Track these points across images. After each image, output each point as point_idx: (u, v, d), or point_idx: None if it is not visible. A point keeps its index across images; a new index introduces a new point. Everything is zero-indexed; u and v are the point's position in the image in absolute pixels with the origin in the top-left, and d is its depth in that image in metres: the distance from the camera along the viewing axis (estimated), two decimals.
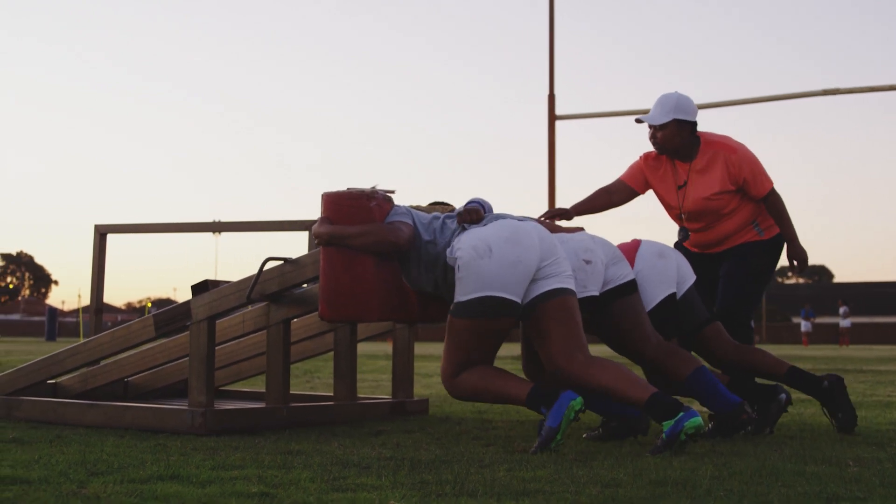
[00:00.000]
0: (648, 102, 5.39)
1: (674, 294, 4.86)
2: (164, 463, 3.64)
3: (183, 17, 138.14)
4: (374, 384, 9.10)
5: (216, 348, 5.96)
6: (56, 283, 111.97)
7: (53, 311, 38.94)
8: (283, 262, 4.93)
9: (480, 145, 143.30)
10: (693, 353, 5.02)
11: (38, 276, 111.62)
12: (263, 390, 6.17)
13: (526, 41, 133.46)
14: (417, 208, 4.78)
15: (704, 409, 5.59)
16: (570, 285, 4.30)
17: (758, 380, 5.04)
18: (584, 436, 4.73)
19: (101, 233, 6.80)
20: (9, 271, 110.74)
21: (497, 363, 13.02)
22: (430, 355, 17.92)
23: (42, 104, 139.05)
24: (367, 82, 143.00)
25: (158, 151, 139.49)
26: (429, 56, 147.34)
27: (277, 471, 3.46)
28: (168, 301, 79.03)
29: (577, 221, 5.39)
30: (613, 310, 4.66)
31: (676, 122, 5.23)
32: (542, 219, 5.08)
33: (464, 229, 4.38)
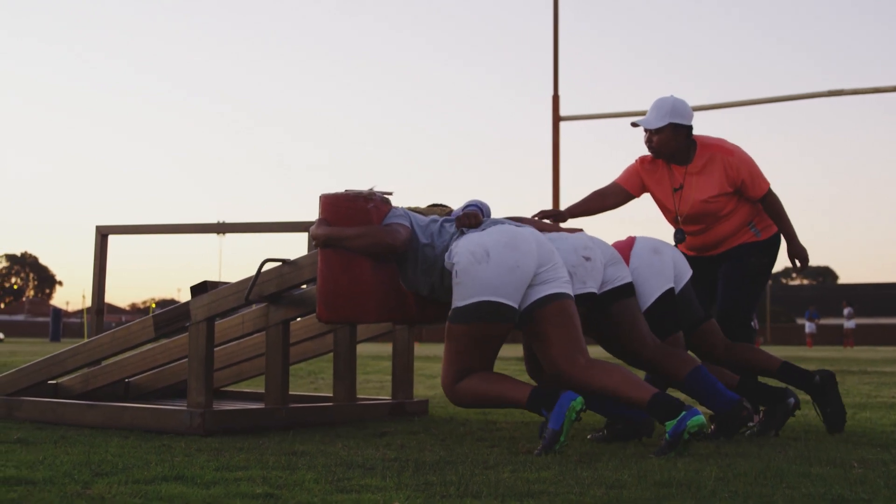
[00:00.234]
0: (651, 103, 5.38)
1: (672, 289, 4.87)
2: (169, 464, 3.65)
3: (183, 17, 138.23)
4: (379, 385, 9.11)
5: (217, 349, 6.00)
6: (60, 283, 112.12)
7: (58, 312, 38.95)
8: (282, 263, 4.95)
9: (484, 146, 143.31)
10: (689, 351, 5.02)
11: (43, 277, 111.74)
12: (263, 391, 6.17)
13: (530, 42, 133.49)
14: (416, 210, 4.78)
15: (708, 410, 5.59)
16: (568, 290, 4.30)
17: (767, 382, 5.03)
18: (588, 437, 4.73)
19: (103, 234, 6.81)
20: (13, 272, 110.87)
21: (500, 364, 13.05)
22: (434, 356, 17.92)
23: (46, 104, 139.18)
24: (370, 82, 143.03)
25: (162, 152, 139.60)
26: (432, 57, 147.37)
27: (282, 472, 3.47)
28: (172, 302, 79.09)
29: (573, 223, 5.40)
30: (611, 311, 4.66)
31: (672, 125, 5.24)
32: (536, 217, 5.09)
33: (462, 233, 4.38)
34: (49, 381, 5.90)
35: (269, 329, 5.21)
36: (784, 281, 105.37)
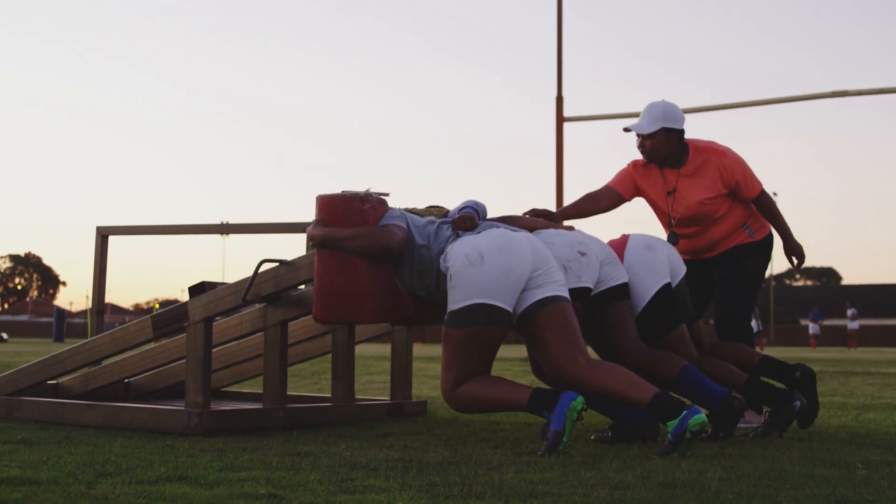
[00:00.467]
0: (643, 108, 5.38)
1: (668, 284, 4.87)
2: (173, 464, 3.65)
3: (184, 17, 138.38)
4: (383, 385, 9.10)
5: (217, 350, 6.03)
6: (64, 284, 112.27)
7: (61, 312, 38.96)
8: (279, 263, 4.96)
9: (487, 147, 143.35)
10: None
11: (46, 277, 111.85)
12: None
13: (534, 43, 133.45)
14: (413, 211, 4.79)
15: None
16: (564, 293, 4.31)
17: (774, 384, 5.03)
18: (592, 437, 4.73)
19: (103, 234, 6.83)
20: (17, 272, 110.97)
21: (503, 365, 13.05)
22: (437, 356, 17.92)
23: (49, 104, 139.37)
24: (373, 83, 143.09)
25: (165, 152, 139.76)
26: (435, 58, 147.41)
27: (285, 472, 3.47)
28: (175, 302, 79.06)
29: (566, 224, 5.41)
30: (605, 312, 4.69)
31: (664, 130, 5.27)
32: (528, 215, 5.09)
33: (457, 236, 4.39)
34: (49, 382, 5.92)
35: (267, 330, 5.23)
36: (788, 282, 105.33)
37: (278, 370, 5.20)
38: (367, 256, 4.51)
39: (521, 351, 19.02)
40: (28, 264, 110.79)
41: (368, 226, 4.51)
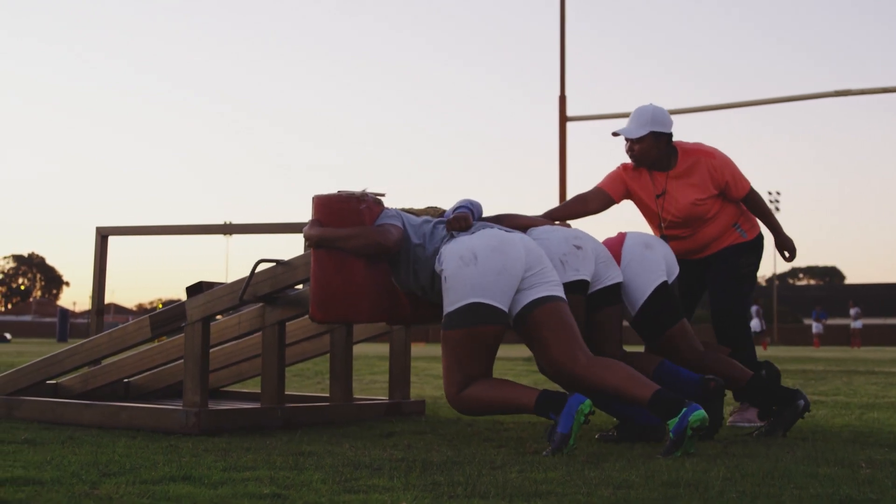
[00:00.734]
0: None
1: (665, 282, 4.91)
2: (176, 464, 3.65)
3: (184, 17, 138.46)
4: (386, 385, 9.09)
5: (216, 349, 6.05)
6: (67, 284, 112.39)
7: (65, 313, 39.03)
8: (276, 263, 4.97)
9: (491, 147, 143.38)
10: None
11: (50, 278, 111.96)
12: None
13: (537, 42, 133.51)
14: (410, 211, 4.80)
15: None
16: (559, 292, 4.32)
17: (779, 383, 5.03)
18: (596, 437, 4.73)
19: (103, 235, 6.84)
20: (20, 272, 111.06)
21: (506, 365, 13.04)
22: (440, 357, 17.91)
23: (53, 105, 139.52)
24: (376, 83, 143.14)
25: (168, 152, 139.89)
26: (438, 58, 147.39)
27: (289, 472, 3.47)
28: (178, 302, 79.11)
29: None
30: (593, 312, 4.73)
31: (653, 134, 5.29)
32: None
33: (452, 237, 4.39)
34: (49, 381, 5.94)
35: (265, 329, 5.25)
36: (791, 281, 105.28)
37: (276, 370, 5.22)
38: (364, 256, 4.52)
39: (523, 351, 19.03)
40: (31, 264, 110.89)
41: (364, 225, 4.52)
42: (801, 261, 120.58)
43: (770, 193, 64.17)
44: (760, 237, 5.54)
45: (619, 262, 4.90)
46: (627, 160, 5.45)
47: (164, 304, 65.50)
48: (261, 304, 5.22)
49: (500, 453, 4.10)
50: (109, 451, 4.03)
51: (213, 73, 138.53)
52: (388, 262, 4.59)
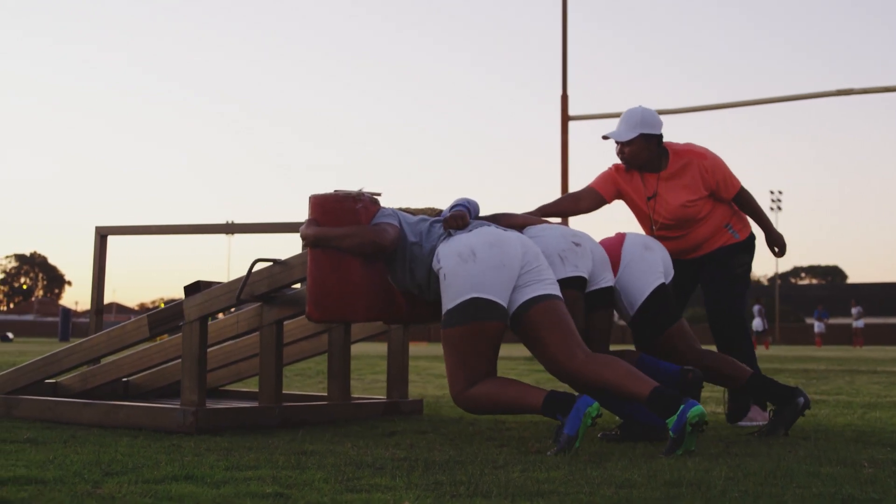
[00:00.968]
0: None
1: (664, 283, 4.94)
2: (179, 463, 3.65)
3: (186, 16, 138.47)
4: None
5: (215, 349, 6.07)
6: (69, 283, 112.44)
7: (67, 312, 38.99)
8: (273, 263, 4.98)
9: (492, 146, 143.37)
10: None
11: (52, 277, 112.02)
12: None
13: (538, 42, 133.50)
14: (407, 211, 4.81)
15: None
16: (555, 291, 4.33)
17: (777, 380, 5.04)
18: (598, 436, 4.73)
19: (102, 234, 6.85)
20: (22, 272, 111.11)
21: (508, 364, 13.05)
22: (442, 356, 17.89)
23: (56, 105, 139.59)
24: (378, 83, 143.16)
25: (170, 152, 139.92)
26: (441, 57, 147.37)
27: (291, 471, 3.47)
28: None
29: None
30: (586, 315, 4.75)
31: (643, 136, 5.31)
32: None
33: (449, 235, 4.40)
34: (49, 381, 5.97)
35: (262, 329, 5.26)
36: (793, 280, 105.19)
37: (274, 369, 5.24)
38: (360, 255, 4.53)
39: (525, 350, 19.02)
40: (33, 264, 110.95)
41: (361, 225, 4.53)
42: (803, 260, 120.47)
43: (772, 193, 64.21)
44: (752, 237, 5.57)
45: (618, 262, 4.92)
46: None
47: (166, 303, 65.53)
48: (258, 304, 5.23)
49: (503, 452, 4.10)
50: (112, 451, 4.03)
51: (215, 72, 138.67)
52: (385, 261, 4.60)
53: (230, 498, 2.91)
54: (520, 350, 18.88)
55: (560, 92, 19.94)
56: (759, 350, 30.72)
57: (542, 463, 3.72)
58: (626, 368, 4.16)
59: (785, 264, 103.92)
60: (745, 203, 5.49)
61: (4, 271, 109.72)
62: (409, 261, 4.49)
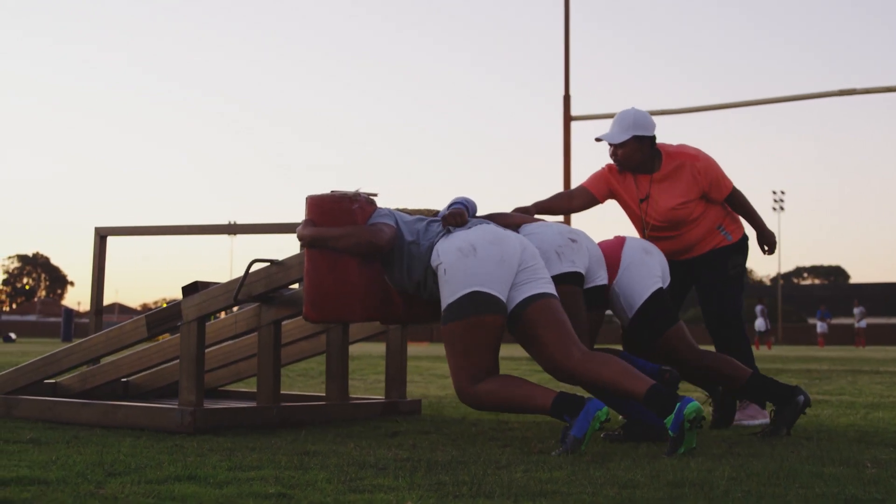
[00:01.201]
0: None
1: (662, 288, 4.98)
2: (182, 463, 3.65)
3: (187, 16, 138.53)
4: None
5: (215, 349, 6.09)
6: (72, 284, 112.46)
7: (69, 312, 38.98)
8: (270, 263, 5.00)
9: (495, 146, 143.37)
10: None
11: (54, 277, 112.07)
12: None
13: (541, 42, 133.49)
14: (404, 211, 4.83)
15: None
16: (551, 290, 4.35)
17: (777, 379, 5.04)
18: (601, 436, 4.73)
19: (102, 235, 6.86)
20: (25, 272, 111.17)
21: (513, 364, 13.03)
22: (445, 356, 17.88)
23: (59, 105, 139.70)
24: (380, 83, 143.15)
25: (173, 152, 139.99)
26: (443, 57, 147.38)
27: (294, 471, 3.47)
28: None
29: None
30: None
31: (636, 138, 5.32)
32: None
33: (448, 231, 4.41)
34: (48, 381, 5.99)
35: (261, 329, 5.28)
36: (795, 281, 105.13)
37: (272, 369, 5.26)
38: (357, 255, 4.55)
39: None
40: (36, 264, 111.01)
41: (357, 225, 4.54)
42: (805, 260, 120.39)
43: (774, 193, 64.19)
44: (745, 238, 5.59)
45: (617, 265, 4.96)
46: None
47: (169, 303, 65.61)
48: (257, 304, 5.24)
49: (505, 453, 4.10)
50: (114, 451, 4.03)
51: (215, 72, 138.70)
52: (382, 260, 4.61)
53: (233, 498, 2.91)
54: (522, 350, 18.87)
55: (562, 92, 19.96)
56: (762, 350, 30.72)
57: (544, 463, 3.72)
58: (622, 367, 4.16)
59: (787, 264, 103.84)
60: (737, 204, 5.50)
61: (7, 272, 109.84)
62: (407, 259, 4.50)
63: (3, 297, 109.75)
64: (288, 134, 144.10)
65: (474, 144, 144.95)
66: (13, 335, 38.20)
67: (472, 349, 4.21)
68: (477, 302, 4.17)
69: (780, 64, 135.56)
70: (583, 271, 4.69)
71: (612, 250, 5.00)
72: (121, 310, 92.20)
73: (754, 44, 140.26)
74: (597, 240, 5.04)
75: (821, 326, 42.31)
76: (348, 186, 4.74)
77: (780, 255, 66.03)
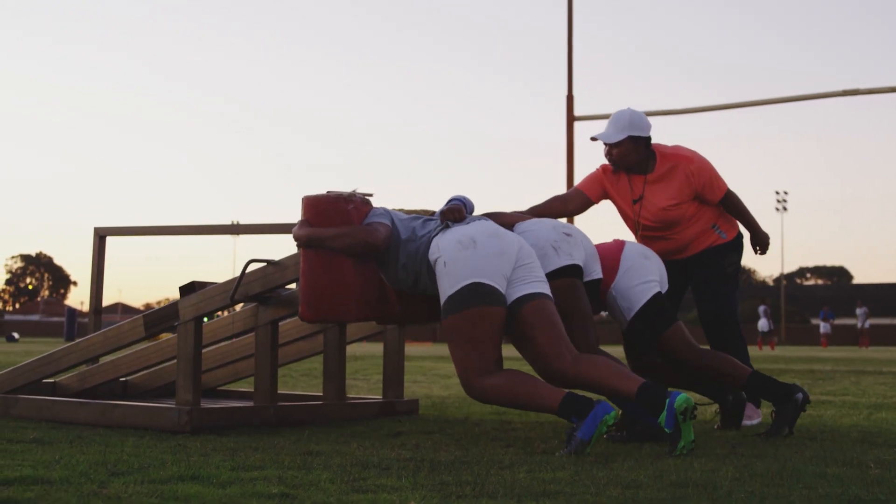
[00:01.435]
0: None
1: (660, 292, 5.02)
2: (185, 463, 3.65)
3: (189, 16, 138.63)
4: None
5: (213, 348, 6.12)
6: (75, 283, 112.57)
7: (72, 312, 38.99)
8: (266, 263, 5.01)
9: (498, 146, 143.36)
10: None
11: (58, 277, 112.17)
12: None
13: (544, 42, 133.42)
14: (400, 211, 4.84)
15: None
16: (545, 290, 4.37)
17: (776, 379, 5.04)
18: (604, 436, 4.72)
19: (101, 235, 6.87)
20: (28, 272, 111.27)
21: (515, 365, 13.03)
22: (449, 356, 17.90)
23: (62, 105, 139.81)
24: (383, 83, 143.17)
25: (176, 152, 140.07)
26: (446, 57, 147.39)
27: (297, 472, 3.47)
28: None
29: None
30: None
31: (631, 138, 5.34)
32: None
33: (447, 226, 4.42)
34: (47, 380, 6.00)
35: (258, 329, 5.30)
36: (798, 281, 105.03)
37: (269, 369, 5.27)
38: (352, 255, 4.56)
39: None
40: (39, 264, 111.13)
41: (352, 225, 4.56)
42: (808, 260, 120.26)
43: (778, 193, 64.19)
44: (740, 236, 5.59)
45: (616, 268, 5.01)
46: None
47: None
48: (254, 304, 5.26)
49: (509, 453, 4.10)
50: (118, 451, 4.03)
51: (215, 72, 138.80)
52: (377, 260, 4.63)
53: (236, 498, 2.91)
54: (513, 350, 18.87)
55: (566, 92, 19.95)
56: (765, 351, 30.70)
57: (547, 463, 3.72)
58: (613, 367, 4.18)
59: (790, 265, 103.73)
60: (732, 206, 5.49)
61: (10, 272, 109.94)
62: (403, 257, 4.51)
63: (7, 296, 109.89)
64: (288, 134, 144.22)
65: (477, 144, 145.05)
66: (16, 335, 38.22)
67: (476, 341, 4.21)
68: (478, 293, 4.18)
69: (783, 64, 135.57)
70: (581, 264, 4.74)
71: (611, 254, 5.04)
72: (124, 309, 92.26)
73: (758, 44, 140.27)
74: (594, 242, 5.07)
75: (824, 327, 42.30)
76: (346, 186, 4.78)
77: (783, 255, 65.95)
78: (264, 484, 3.17)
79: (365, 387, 8.73)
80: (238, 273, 5.06)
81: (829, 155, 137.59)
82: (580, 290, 4.70)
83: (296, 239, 4.62)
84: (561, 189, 18.31)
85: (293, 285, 5.17)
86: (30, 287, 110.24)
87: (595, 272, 4.88)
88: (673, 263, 5.49)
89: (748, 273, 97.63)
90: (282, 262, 4.97)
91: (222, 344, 6.13)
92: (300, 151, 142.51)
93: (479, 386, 4.22)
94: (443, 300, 4.28)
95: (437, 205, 4.97)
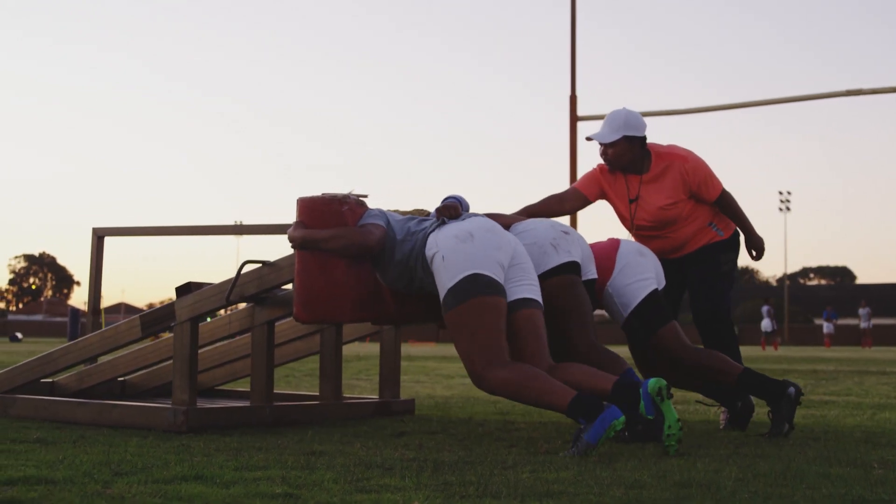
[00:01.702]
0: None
1: (657, 289, 5.06)
2: (188, 463, 3.65)
3: (190, 16, 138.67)
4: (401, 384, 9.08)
5: (210, 348, 6.14)
6: (78, 283, 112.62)
7: (75, 312, 38.94)
8: (262, 264, 5.03)
9: (501, 147, 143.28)
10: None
11: (61, 277, 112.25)
12: None
13: (547, 42, 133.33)
14: (396, 212, 4.85)
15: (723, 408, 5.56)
16: (537, 296, 4.44)
17: (767, 377, 5.05)
18: None
19: (99, 236, 6.89)
20: (31, 272, 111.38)
21: None
22: (451, 356, 17.92)
23: (65, 106, 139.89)
24: (386, 83, 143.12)
25: (177, 152, 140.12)
26: (449, 58, 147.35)
27: (301, 472, 3.47)
28: None
29: None
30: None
31: (626, 138, 5.36)
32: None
33: (443, 223, 4.44)
34: (45, 380, 6.02)
35: (254, 329, 5.32)
36: (802, 281, 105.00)
37: (265, 369, 5.29)
38: (346, 256, 4.57)
39: None
40: (42, 264, 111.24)
41: (346, 226, 4.59)
42: (811, 261, 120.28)
43: (781, 193, 64.21)
44: (737, 234, 5.60)
45: (612, 266, 5.06)
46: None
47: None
48: (251, 305, 5.28)
49: (512, 453, 4.10)
50: (121, 451, 4.03)
51: (215, 72, 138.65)
52: (373, 260, 4.65)
53: (240, 498, 2.91)
54: None
55: (569, 92, 19.96)
56: (768, 351, 30.69)
57: (551, 463, 3.72)
58: (587, 370, 4.30)
59: (793, 265, 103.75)
60: (726, 206, 5.49)
61: (14, 272, 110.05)
62: (398, 257, 4.53)
63: (10, 297, 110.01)
64: (288, 134, 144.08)
65: (478, 145, 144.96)
66: (20, 335, 38.27)
67: (480, 332, 4.22)
68: (478, 283, 4.21)
69: (786, 64, 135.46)
70: (579, 261, 4.79)
71: (607, 252, 5.08)
72: (127, 309, 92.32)
73: (761, 44, 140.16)
74: (590, 241, 5.11)
75: (827, 327, 42.27)
76: (345, 187, 4.80)
77: (786, 255, 66.02)
78: (268, 484, 3.18)
79: (368, 387, 8.74)
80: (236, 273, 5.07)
81: (832, 155, 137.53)
82: (580, 286, 4.73)
83: (291, 240, 4.65)
84: (563, 189, 18.31)
85: (289, 286, 5.18)
86: (33, 287, 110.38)
87: (590, 272, 4.93)
88: (670, 262, 5.50)
89: (751, 273, 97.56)
90: (277, 264, 4.99)
91: (220, 344, 6.15)
92: (300, 151, 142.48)
93: (487, 377, 4.22)
94: (442, 294, 4.29)
95: (436, 205, 4.97)
